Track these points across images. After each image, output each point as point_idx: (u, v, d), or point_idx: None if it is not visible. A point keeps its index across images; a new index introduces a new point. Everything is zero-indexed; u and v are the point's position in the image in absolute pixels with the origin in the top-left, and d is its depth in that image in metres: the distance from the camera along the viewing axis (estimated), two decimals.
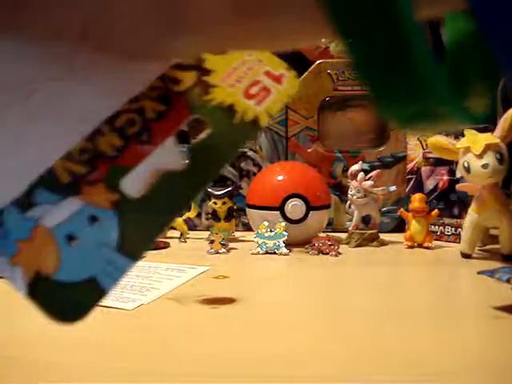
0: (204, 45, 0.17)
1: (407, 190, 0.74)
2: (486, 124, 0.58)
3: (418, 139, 0.72)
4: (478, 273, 0.44)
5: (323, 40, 0.78)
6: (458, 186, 0.63)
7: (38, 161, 0.18)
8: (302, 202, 0.67)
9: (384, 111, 0.14)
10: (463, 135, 0.60)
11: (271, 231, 0.63)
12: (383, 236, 0.70)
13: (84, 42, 0.17)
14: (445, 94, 0.13)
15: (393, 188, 0.69)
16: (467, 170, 0.58)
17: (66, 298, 0.16)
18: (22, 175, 0.17)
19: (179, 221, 0.71)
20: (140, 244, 0.17)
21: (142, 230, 0.18)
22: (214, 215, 0.72)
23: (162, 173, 0.19)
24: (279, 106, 0.21)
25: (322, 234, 0.68)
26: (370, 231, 0.68)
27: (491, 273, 0.43)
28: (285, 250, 0.63)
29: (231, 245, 0.66)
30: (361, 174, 0.67)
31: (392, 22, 0.12)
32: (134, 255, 0.17)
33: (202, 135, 0.20)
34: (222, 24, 0.16)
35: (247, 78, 0.21)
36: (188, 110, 0.20)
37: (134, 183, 0.18)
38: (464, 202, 0.65)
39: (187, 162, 0.19)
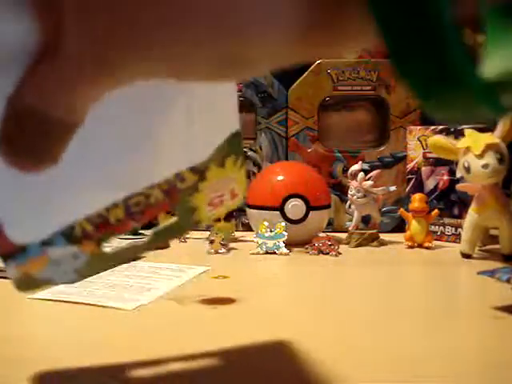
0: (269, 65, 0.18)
1: (407, 190, 0.74)
2: None
3: (418, 139, 0.72)
4: (478, 273, 0.44)
5: None
6: (458, 186, 0.63)
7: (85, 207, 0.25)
8: (302, 202, 0.67)
9: (418, 98, 0.15)
10: (463, 135, 0.60)
11: (271, 231, 0.63)
12: (383, 236, 0.70)
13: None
14: (477, 84, 0.14)
15: (393, 188, 0.69)
16: (467, 169, 0.58)
17: (32, 283, 0.26)
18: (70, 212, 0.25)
19: None
20: (88, 275, 0.27)
21: (94, 269, 0.27)
22: None
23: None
24: (219, 216, 0.30)
25: (322, 234, 0.68)
26: (370, 231, 0.68)
27: (491, 273, 0.43)
28: (285, 250, 0.63)
29: (231, 245, 0.66)
30: (361, 174, 0.67)
31: (429, 15, 0.13)
32: (82, 278, 0.27)
33: (166, 223, 0.28)
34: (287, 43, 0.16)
35: (220, 190, 0.28)
36: (174, 204, 0.27)
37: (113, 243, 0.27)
38: (464, 202, 0.65)
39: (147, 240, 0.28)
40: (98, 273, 0.28)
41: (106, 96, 0.17)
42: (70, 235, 0.25)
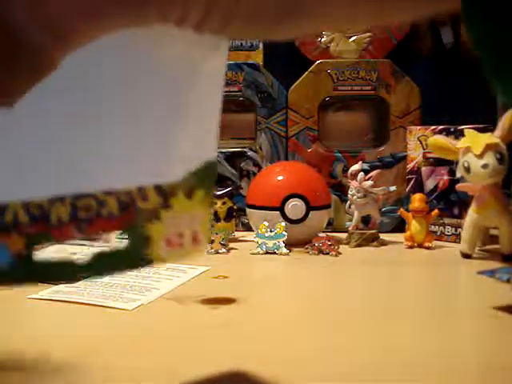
0: (316, 27, 0.20)
1: (407, 190, 0.74)
2: None
3: (418, 139, 0.72)
4: (478, 273, 0.44)
5: (323, 40, 0.78)
6: (458, 186, 0.63)
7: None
8: (302, 202, 0.67)
9: (499, 88, 0.16)
10: (463, 135, 0.60)
11: (271, 231, 0.63)
12: (383, 236, 0.70)
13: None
14: None
15: (393, 188, 0.69)
16: (467, 170, 0.58)
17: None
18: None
19: None
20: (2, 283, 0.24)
21: (13, 278, 0.22)
22: (214, 215, 0.72)
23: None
24: (175, 261, 0.26)
25: (321, 234, 0.68)
26: (370, 231, 0.68)
27: (491, 273, 0.43)
28: (285, 250, 0.63)
29: (231, 245, 0.66)
30: (361, 174, 0.67)
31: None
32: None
33: (116, 245, 0.24)
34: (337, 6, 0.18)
35: (181, 228, 0.25)
36: (128, 225, 0.23)
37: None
38: (464, 201, 0.65)
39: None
40: (16, 283, 0.23)
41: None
42: None
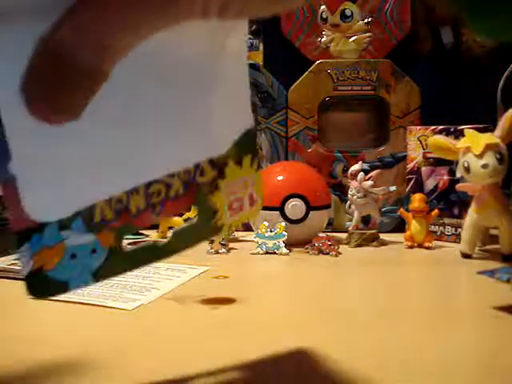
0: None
1: (407, 190, 0.74)
2: None
3: (418, 139, 0.72)
4: (478, 273, 0.44)
5: (323, 40, 0.78)
6: (458, 186, 0.63)
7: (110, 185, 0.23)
8: (302, 202, 0.67)
9: (474, 26, 0.17)
10: (463, 135, 0.60)
11: (271, 231, 0.63)
12: (383, 236, 0.70)
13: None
14: None
15: (393, 188, 0.69)
16: (467, 170, 0.58)
17: (45, 286, 0.23)
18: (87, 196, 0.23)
19: (179, 221, 0.71)
20: (105, 277, 0.24)
21: (112, 270, 0.24)
22: None
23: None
24: (239, 224, 0.29)
25: (322, 234, 0.68)
26: (370, 231, 0.68)
27: (491, 273, 0.43)
28: (285, 250, 0.63)
29: (231, 245, 0.66)
30: (361, 174, 0.67)
31: None
32: (99, 281, 0.24)
33: (185, 224, 0.27)
34: None
35: (238, 193, 0.28)
36: (193, 200, 0.26)
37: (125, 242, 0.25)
38: (464, 201, 0.65)
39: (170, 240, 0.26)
40: (115, 275, 0.25)
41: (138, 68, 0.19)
42: (89, 219, 0.23)
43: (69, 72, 0.18)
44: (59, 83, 0.18)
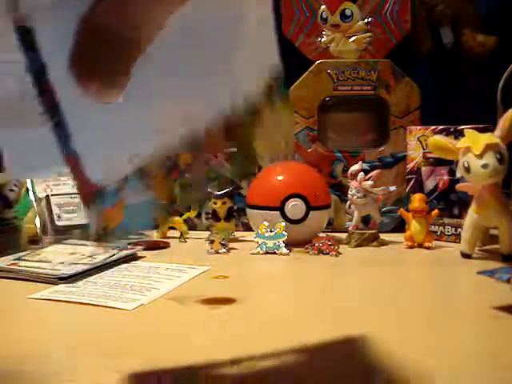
0: None
1: (407, 190, 0.74)
2: None
3: (418, 139, 0.72)
4: (478, 273, 0.44)
5: (323, 40, 0.78)
6: (458, 186, 0.63)
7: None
8: (302, 202, 0.67)
9: None
10: (463, 135, 0.60)
11: (271, 231, 0.63)
12: (383, 236, 0.70)
13: None
14: None
15: (393, 188, 0.69)
16: (467, 169, 0.58)
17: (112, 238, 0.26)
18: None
19: (179, 221, 0.71)
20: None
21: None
22: (214, 215, 0.72)
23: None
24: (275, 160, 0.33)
25: (322, 234, 0.68)
26: (370, 231, 0.68)
27: (491, 273, 0.43)
28: (285, 250, 0.63)
29: (231, 245, 0.66)
30: (361, 174, 0.67)
31: None
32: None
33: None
34: None
35: (276, 136, 0.30)
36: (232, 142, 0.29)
37: None
38: (464, 202, 0.65)
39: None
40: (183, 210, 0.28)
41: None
42: (142, 178, 0.25)
43: (109, 46, 0.19)
44: (101, 58, 0.19)
